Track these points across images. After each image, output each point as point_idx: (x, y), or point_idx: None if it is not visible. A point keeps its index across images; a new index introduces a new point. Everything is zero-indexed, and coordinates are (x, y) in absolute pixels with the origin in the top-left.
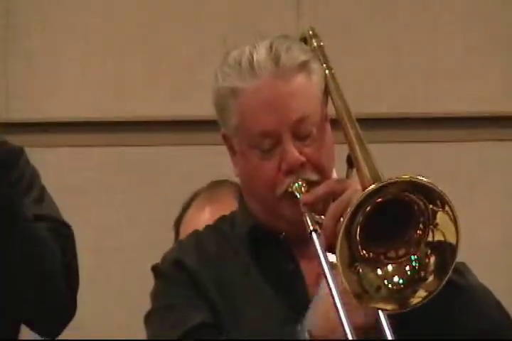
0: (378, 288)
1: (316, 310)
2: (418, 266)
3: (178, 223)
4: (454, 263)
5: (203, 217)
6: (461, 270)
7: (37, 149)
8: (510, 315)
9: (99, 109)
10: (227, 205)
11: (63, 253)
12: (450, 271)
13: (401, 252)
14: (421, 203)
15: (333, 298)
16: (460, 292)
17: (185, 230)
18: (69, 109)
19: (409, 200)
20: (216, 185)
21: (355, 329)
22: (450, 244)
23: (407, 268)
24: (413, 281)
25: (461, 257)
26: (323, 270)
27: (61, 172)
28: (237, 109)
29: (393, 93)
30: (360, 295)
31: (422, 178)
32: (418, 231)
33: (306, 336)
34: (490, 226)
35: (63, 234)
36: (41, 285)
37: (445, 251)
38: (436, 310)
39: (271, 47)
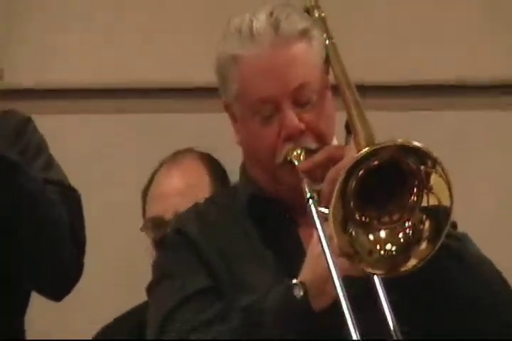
0: (370, 252)
1: (308, 262)
2: (412, 233)
3: (145, 193)
4: (448, 227)
5: (172, 183)
6: (462, 239)
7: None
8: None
9: (100, 76)
10: (194, 171)
11: (71, 216)
12: (443, 236)
13: (395, 217)
14: (415, 167)
15: (322, 248)
16: (459, 259)
17: (155, 197)
18: (70, 75)
19: (403, 164)
20: (181, 153)
21: (344, 277)
22: (444, 207)
23: (401, 234)
24: (406, 248)
25: (461, 226)
26: (318, 235)
27: (62, 140)
28: (237, 76)
29: (396, 61)
30: (351, 255)
31: (415, 142)
32: (413, 197)
33: (300, 289)
34: (488, 196)
35: (71, 197)
36: (49, 246)
37: (439, 215)
38: (435, 276)
39: (271, 14)
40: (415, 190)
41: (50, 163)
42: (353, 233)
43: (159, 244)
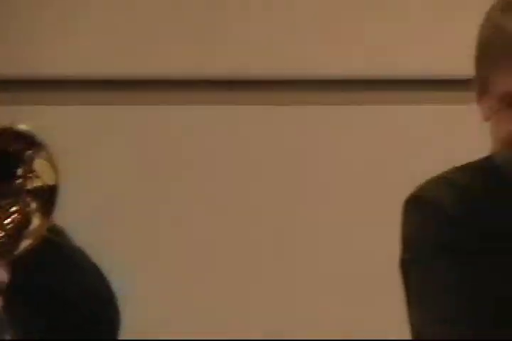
0: None
1: None
2: (19, 218)
3: None
4: (56, 203)
5: None
6: (62, 230)
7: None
8: None
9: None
10: None
11: None
12: (54, 211)
13: (1, 204)
14: (19, 151)
15: None
16: (59, 248)
17: None
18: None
19: (8, 149)
20: None
21: None
22: (50, 186)
23: (8, 220)
24: (15, 233)
25: None
26: None
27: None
28: None
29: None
30: None
31: (19, 125)
32: (18, 181)
33: None
34: None
35: None
36: None
37: (46, 194)
38: (39, 266)
39: None
40: (20, 173)
41: None
42: None
43: None
